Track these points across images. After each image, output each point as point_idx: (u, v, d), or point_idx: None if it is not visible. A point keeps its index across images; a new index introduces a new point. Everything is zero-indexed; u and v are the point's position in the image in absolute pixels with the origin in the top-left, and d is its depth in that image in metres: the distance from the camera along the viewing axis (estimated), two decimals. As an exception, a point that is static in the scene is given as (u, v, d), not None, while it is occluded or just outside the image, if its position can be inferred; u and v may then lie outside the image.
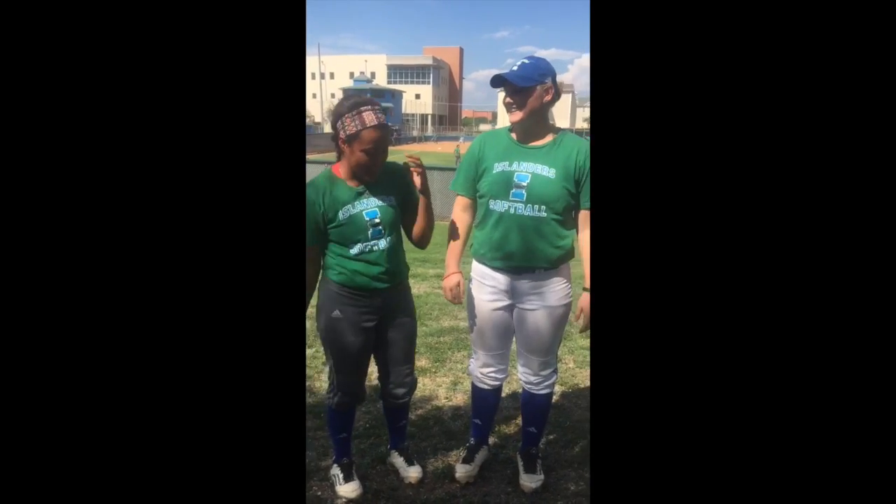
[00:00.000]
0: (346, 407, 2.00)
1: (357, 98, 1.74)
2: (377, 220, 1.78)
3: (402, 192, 1.86)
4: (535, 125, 1.84)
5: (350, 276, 1.81)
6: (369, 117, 1.68)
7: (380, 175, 1.80)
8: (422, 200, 1.85)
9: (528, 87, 1.77)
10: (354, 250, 1.78)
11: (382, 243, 1.80)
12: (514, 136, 1.90)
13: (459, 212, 1.99)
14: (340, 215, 1.76)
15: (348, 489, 1.99)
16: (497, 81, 1.80)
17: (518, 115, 1.81)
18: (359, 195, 1.79)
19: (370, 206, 1.78)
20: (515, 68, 1.79)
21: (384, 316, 1.90)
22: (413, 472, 2.08)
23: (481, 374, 2.07)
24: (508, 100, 1.81)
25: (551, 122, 1.92)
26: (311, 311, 1.93)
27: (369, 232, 1.78)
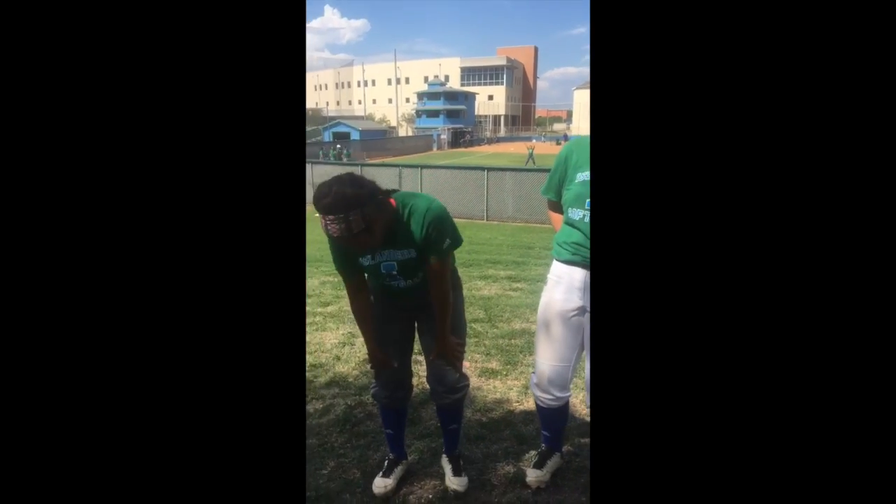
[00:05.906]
0: (386, 401, 2.01)
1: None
2: (394, 272, 1.79)
3: (424, 242, 1.71)
4: None
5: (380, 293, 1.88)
6: (332, 228, 1.50)
7: (398, 230, 1.70)
8: (446, 323, 1.83)
9: None
10: (378, 283, 1.86)
11: (402, 283, 1.83)
12: None
13: (550, 212, 2.09)
14: (361, 261, 1.78)
15: (377, 483, 2.01)
16: None
17: None
18: (375, 250, 1.74)
19: (387, 259, 1.77)
20: None
21: (423, 304, 1.89)
22: (455, 484, 1.99)
23: (540, 393, 2.01)
24: None
25: None
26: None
27: (387, 279, 1.82)
